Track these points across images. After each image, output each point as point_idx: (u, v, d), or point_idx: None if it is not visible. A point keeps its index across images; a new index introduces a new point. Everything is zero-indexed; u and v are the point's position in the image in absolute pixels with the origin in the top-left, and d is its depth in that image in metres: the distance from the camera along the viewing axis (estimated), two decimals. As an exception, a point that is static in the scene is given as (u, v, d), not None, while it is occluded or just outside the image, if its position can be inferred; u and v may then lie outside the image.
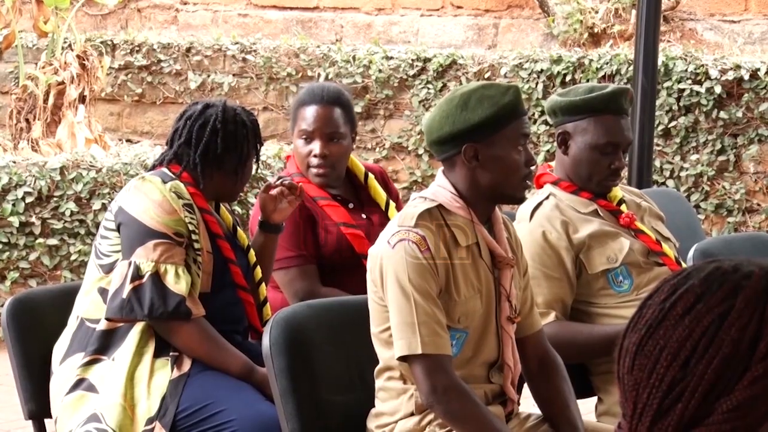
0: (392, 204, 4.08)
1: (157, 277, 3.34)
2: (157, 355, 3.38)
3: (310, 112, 3.95)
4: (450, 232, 3.02)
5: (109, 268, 3.41)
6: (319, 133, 3.93)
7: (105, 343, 3.39)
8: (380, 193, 4.08)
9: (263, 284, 3.65)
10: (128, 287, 3.33)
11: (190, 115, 3.53)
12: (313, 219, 3.95)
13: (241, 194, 3.76)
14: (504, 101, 2.99)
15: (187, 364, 3.39)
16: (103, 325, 3.39)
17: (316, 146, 3.93)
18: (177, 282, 3.34)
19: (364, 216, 4.04)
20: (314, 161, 3.93)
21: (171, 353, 3.40)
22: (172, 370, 3.37)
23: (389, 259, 2.95)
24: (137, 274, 3.34)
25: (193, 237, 3.41)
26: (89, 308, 3.42)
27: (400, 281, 2.92)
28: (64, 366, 3.40)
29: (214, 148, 3.48)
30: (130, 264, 3.35)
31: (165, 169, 3.50)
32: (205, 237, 3.45)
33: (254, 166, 3.60)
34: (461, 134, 3.00)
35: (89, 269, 3.48)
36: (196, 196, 3.47)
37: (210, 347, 3.39)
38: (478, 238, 3.06)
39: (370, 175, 4.11)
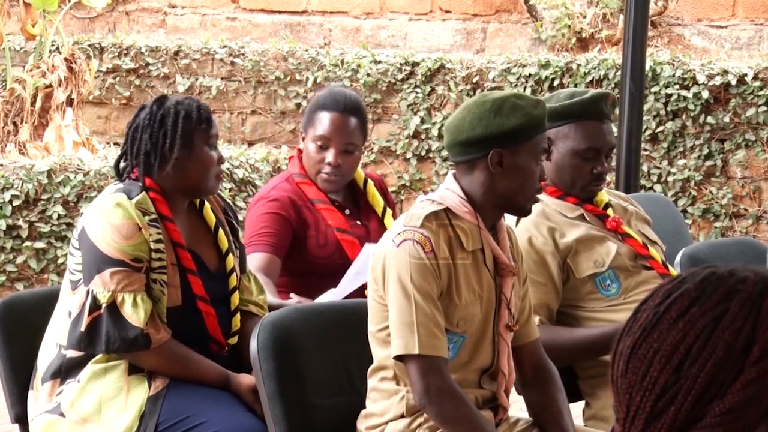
0: (389, 212, 4.07)
1: (114, 308, 3.27)
2: (131, 372, 3.32)
3: (330, 119, 3.93)
4: (455, 235, 3.01)
5: (75, 285, 3.35)
6: (336, 143, 3.92)
7: (78, 369, 3.35)
8: (378, 200, 4.08)
9: (236, 292, 3.53)
10: (86, 319, 3.28)
11: (132, 121, 3.50)
12: (303, 222, 3.94)
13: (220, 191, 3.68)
14: (535, 113, 3.01)
15: (164, 379, 3.33)
16: (71, 352, 3.35)
17: (330, 155, 3.92)
18: (135, 312, 3.27)
19: (359, 223, 4.03)
20: (327, 169, 3.93)
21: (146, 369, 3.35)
22: (150, 386, 3.31)
23: (392, 258, 2.95)
24: (95, 305, 3.28)
25: (155, 256, 3.32)
26: (64, 335, 3.35)
27: (402, 280, 2.92)
28: (45, 387, 3.37)
29: (150, 145, 3.41)
30: (88, 293, 3.29)
31: (130, 182, 3.42)
32: (170, 249, 3.38)
33: (214, 153, 3.44)
34: (492, 138, 2.99)
35: (65, 280, 3.42)
36: (159, 202, 3.38)
37: (179, 367, 3.33)
38: (483, 244, 3.06)
39: (369, 182, 4.10)
